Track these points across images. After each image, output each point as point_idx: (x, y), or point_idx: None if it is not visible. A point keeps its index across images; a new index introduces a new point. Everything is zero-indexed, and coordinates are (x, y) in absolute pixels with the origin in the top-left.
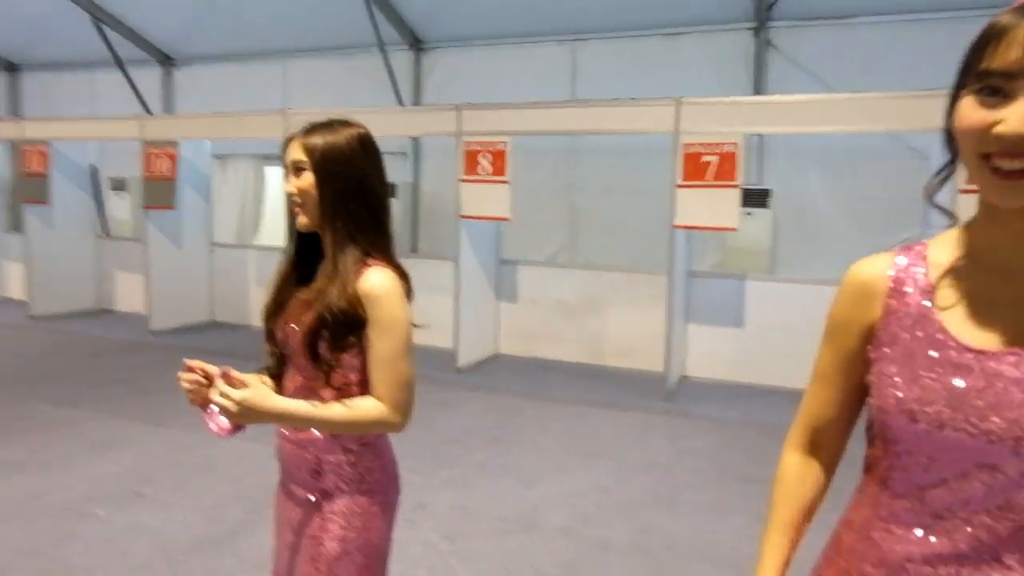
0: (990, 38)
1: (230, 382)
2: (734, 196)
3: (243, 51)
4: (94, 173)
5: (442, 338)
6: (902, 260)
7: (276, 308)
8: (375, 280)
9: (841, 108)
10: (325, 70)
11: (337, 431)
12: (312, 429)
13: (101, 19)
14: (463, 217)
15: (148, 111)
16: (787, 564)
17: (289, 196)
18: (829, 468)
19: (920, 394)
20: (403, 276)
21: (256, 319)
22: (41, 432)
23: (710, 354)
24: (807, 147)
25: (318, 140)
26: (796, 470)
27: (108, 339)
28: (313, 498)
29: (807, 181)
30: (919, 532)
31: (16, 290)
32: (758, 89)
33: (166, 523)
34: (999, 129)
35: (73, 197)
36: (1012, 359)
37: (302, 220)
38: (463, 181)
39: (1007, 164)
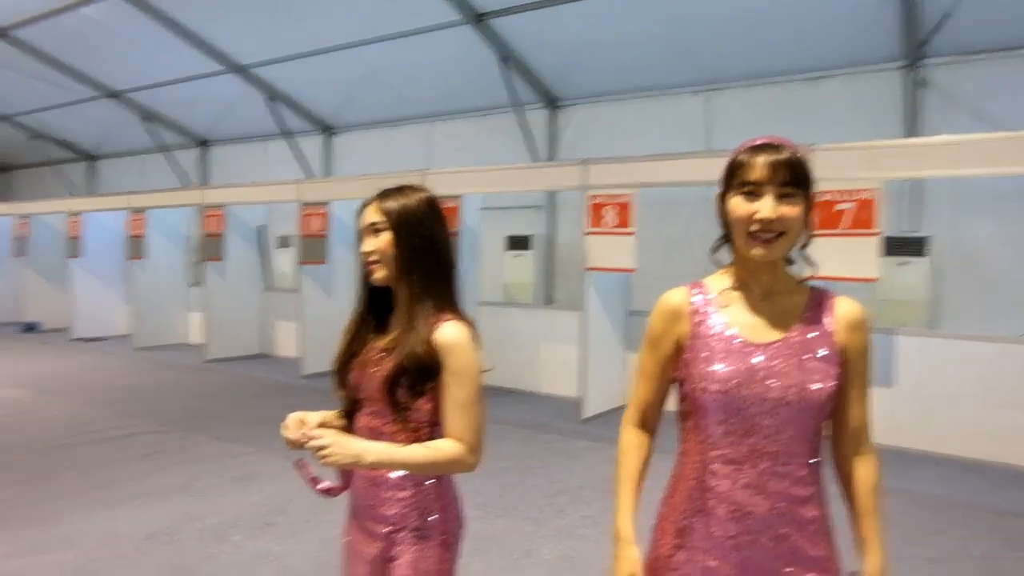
0: (739, 165)
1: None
2: (872, 244)
3: (392, 117)
4: (261, 232)
5: (569, 387)
6: (695, 291)
7: (348, 357)
8: (450, 332)
9: (1004, 147)
10: (465, 131)
11: (417, 471)
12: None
13: (274, 97)
14: (589, 269)
15: (312, 175)
16: (636, 506)
17: (366, 255)
18: (653, 436)
19: (724, 375)
20: (471, 327)
21: None
22: (201, 462)
23: None
24: (974, 190)
25: (393, 204)
26: (634, 440)
27: (267, 381)
28: (385, 531)
29: (975, 227)
30: (731, 468)
31: (196, 336)
32: (910, 131)
33: (290, 552)
34: (759, 215)
35: (244, 254)
36: (773, 348)
37: (379, 275)
38: (589, 234)
39: (764, 235)
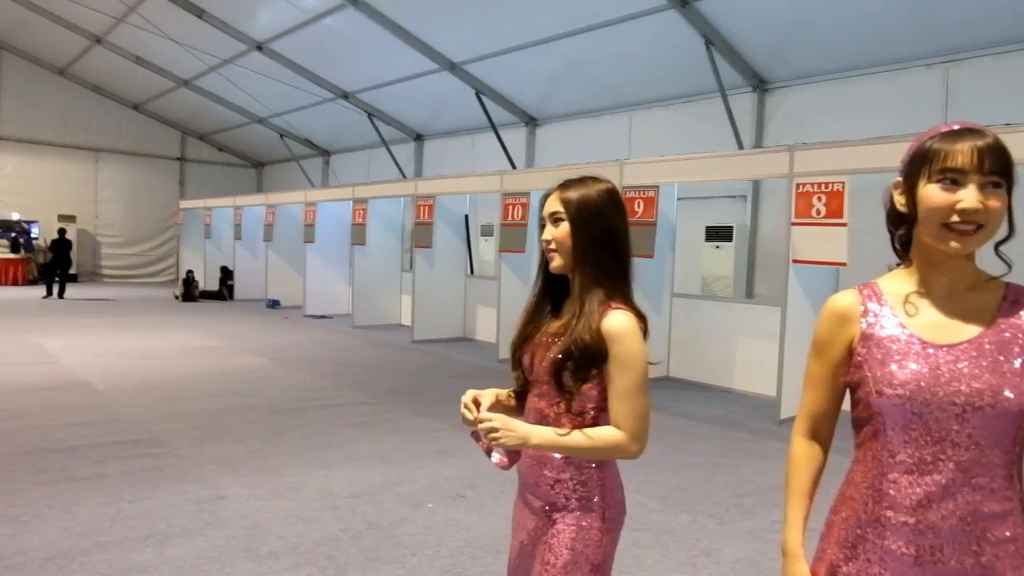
0: (937, 152)
1: (476, 403)
2: None
3: (594, 107)
4: (466, 221)
5: (766, 386)
6: (865, 291)
7: (523, 339)
8: (617, 321)
9: None
10: (667, 118)
11: (579, 456)
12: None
13: (482, 92)
14: (795, 262)
15: (513, 166)
16: (806, 521)
17: (546, 243)
18: (826, 448)
19: (904, 379)
20: (641, 318)
21: None
22: (403, 434)
23: None
24: None
25: (573, 194)
26: (804, 452)
27: (466, 363)
28: (547, 507)
29: None
30: (911, 478)
31: (407, 318)
32: None
33: (477, 523)
34: (962, 205)
35: (450, 242)
36: (961, 349)
37: (556, 263)
38: (795, 224)
39: (963, 227)
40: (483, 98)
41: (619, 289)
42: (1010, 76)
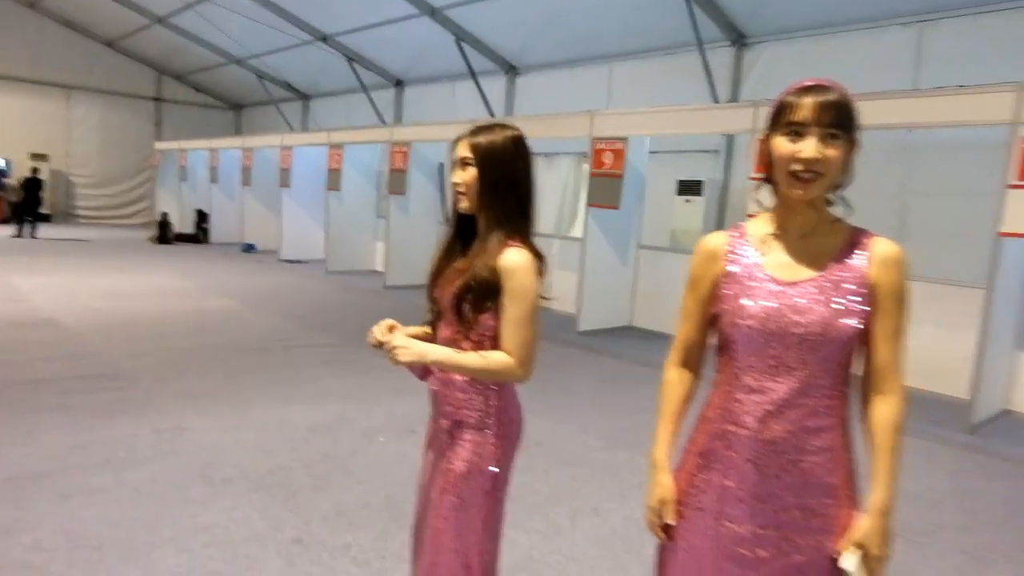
0: (786, 106)
1: (391, 330)
2: None
3: (574, 57)
4: (441, 169)
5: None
6: (734, 233)
7: (436, 274)
8: (512, 257)
9: None
10: (645, 71)
11: (472, 375)
12: (454, 373)
13: (463, 39)
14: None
15: (492, 114)
16: (675, 438)
17: (455, 185)
18: (697, 375)
19: (754, 312)
20: (538, 256)
21: (555, 302)
22: (365, 374)
23: None
24: None
25: (481, 139)
26: (676, 377)
27: None
28: (451, 425)
29: None
30: (754, 398)
31: (381, 264)
32: None
33: None
34: (802, 155)
35: (425, 189)
36: (803, 286)
37: (463, 205)
38: (753, 179)
39: (805, 175)
40: (463, 45)
41: (519, 230)
42: (981, 37)
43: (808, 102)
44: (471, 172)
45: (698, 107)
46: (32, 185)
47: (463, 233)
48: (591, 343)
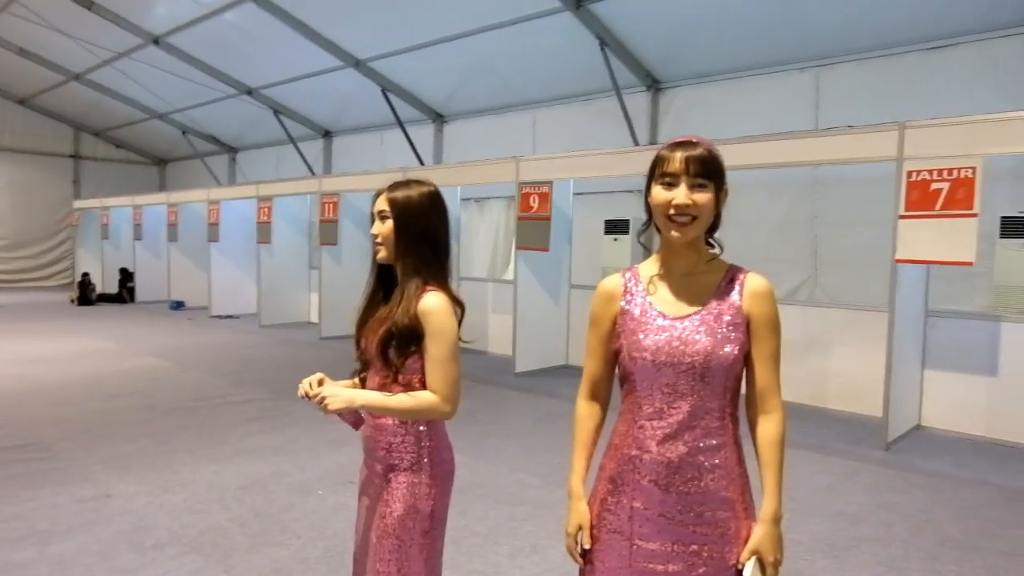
0: (660, 160)
1: (320, 383)
2: (970, 227)
3: (499, 104)
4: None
5: None
6: (628, 275)
7: (361, 324)
8: (430, 300)
9: None
10: (567, 116)
11: (402, 416)
12: (385, 416)
13: (389, 89)
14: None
15: (421, 162)
16: (587, 470)
17: (373, 237)
18: (604, 407)
19: (648, 345)
20: (456, 302)
21: (492, 345)
22: (300, 426)
23: (952, 404)
24: None
25: (398, 194)
26: (586, 410)
27: None
28: (384, 469)
29: None
30: (653, 423)
31: (315, 315)
32: None
33: None
34: (675, 201)
35: (357, 239)
36: (688, 320)
37: (381, 255)
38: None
39: (679, 219)
40: (389, 95)
41: (436, 277)
42: (871, 80)
43: (678, 155)
44: (388, 225)
45: (618, 150)
46: None
47: (383, 282)
48: (527, 384)
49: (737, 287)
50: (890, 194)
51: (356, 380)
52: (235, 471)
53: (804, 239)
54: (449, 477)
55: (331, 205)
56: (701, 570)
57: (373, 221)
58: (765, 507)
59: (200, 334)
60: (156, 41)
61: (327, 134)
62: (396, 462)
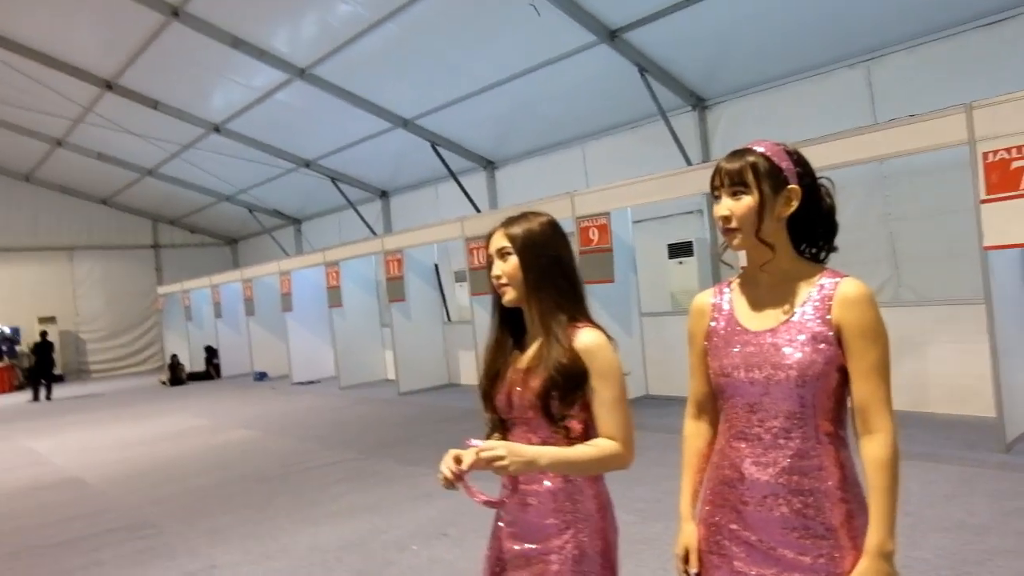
0: (714, 173)
1: (457, 461)
2: None
3: (547, 144)
4: (436, 270)
5: None
6: (717, 290)
7: (492, 378)
8: (588, 337)
9: None
10: (616, 145)
11: (584, 470)
12: (560, 474)
13: (438, 143)
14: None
15: (477, 209)
16: (697, 491)
17: (496, 279)
18: (712, 425)
19: (732, 362)
20: (604, 332)
21: None
22: (389, 484)
23: None
24: None
25: (517, 229)
26: (692, 430)
27: (451, 408)
28: (538, 548)
29: None
30: (744, 443)
31: (392, 372)
32: None
33: (460, 559)
34: (716, 215)
35: (424, 292)
36: (773, 333)
37: (509, 297)
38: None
39: (726, 231)
40: (439, 149)
41: (579, 310)
42: (927, 65)
43: (720, 168)
44: (512, 262)
45: (670, 172)
46: (43, 349)
47: (511, 329)
48: None
49: (828, 294)
50: (966, 180)
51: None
52: (331, 532)
53: (880, 237)
54: (617, 545)
55: (395, 262)
56: None
57: (491, 263)
58: (869, 537)
59: (284, 402)
60: (217, 129)
61: (384, 194)
62: (559, 527)
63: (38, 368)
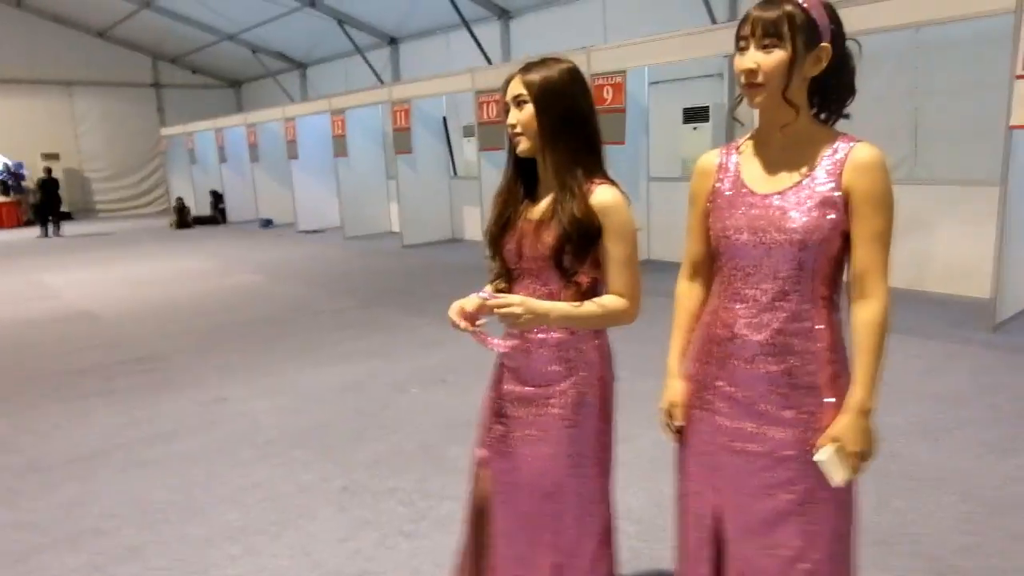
0: (742, 21)
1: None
2: None
3: None
4: (445, 123)
5: None
6: (725, 150)
7: (502, 227)
8: (605, 195)
9: None
10: (638, 0)
11: (591, 325)
12: (567, 328)
13: None
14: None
15: (489, 61)
16: (685, 350)
17: (511, 127)
18: (705, 286)
19: (736, 224)
20: (621, 190)
21: None
22: (392, 332)
23: None
24: None
25: (535, 76)
26: (685, 291)
27: (454, 263)
28: (541, 391)
29: None
30: (739, 304)
31: (397, 225)
32: None
33: (458, 404)
34: (739, 67)
35: (431, 146)
36: (781, 196)
37: (523, 147)
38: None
39: (748, 87)
40: None
41: (596, 166)
42: None
43: (751, 16)
44: (528, 110)
45: (694, 30)
46: (49, 185)
47: (523, 179)
48: None
49: (840, 159)
50: (1001, 55)
51: (496, 287)
52: (334, 373)
53: (903, 112)
54: (612, 379)
55: (403, 113)
56: (782, 454)
57: (508, 110)
58: (851, 394)
59: (290, 249)
60: None
61: (393, 41)
62: (555, 375)
63: (45, 204)
